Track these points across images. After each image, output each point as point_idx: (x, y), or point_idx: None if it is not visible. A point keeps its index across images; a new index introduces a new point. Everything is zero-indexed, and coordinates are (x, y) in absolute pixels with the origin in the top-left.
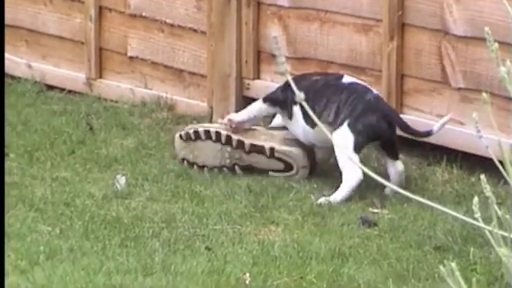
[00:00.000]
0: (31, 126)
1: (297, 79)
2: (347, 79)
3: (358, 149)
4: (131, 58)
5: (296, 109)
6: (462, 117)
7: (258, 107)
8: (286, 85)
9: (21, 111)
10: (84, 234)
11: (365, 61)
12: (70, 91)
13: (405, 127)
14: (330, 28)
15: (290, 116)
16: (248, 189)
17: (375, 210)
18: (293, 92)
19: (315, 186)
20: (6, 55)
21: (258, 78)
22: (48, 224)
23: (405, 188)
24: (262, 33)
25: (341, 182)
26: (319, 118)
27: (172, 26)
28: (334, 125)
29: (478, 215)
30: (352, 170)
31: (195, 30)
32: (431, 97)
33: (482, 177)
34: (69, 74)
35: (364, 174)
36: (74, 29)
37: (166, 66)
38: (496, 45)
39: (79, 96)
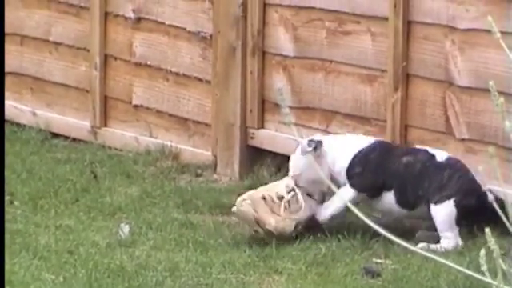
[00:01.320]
0: (35, 173)
1: (381, 158)
2: (440, 154)
3: (458, 223)
4: (136, 106)
5: (388, 194)
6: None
7: (347, 197)
8: (376, 168)
9: (25, 159)
10: (87, 282)
11: (369, 111)
12: (74, 139)
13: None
14: (334, 78)
15: (375, 197)
16: (252, 238)
17: (379, 261)
18: (386, 175)
19: (318, 235)
20: (11, 103)
21: (263, 127)
22: (52, 272)
23: (408, 239)
24: (267, 82)
25: (344, 229)
26: (423, 201)
27: (177, 74)
28: (434, 198)
29: (484, 268)
30: (453, 234)
31: (200, 79)
32: (435, 148)
33: (487, 230)
34: (74, 122)
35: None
36: (79, 77)
37: (170, 115)
38: (502, 99)
39: (84, 144)
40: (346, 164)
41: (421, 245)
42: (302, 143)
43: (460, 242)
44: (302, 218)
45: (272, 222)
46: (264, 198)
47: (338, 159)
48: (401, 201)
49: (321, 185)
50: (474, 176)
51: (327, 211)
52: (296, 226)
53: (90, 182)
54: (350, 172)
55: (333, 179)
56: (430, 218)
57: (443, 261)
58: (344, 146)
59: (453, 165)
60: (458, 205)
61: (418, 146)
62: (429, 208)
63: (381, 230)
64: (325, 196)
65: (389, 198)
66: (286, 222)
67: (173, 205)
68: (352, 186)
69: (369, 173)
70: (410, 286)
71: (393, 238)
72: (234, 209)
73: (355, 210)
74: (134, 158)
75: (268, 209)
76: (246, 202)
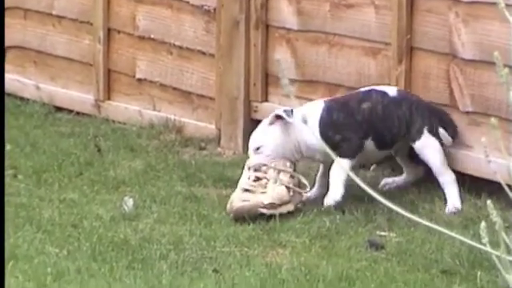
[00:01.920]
0: (39, 147)
1: (345, 115)
2: (389, 90)
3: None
4: (139, 80)
5: (368, 142)
6: (470, 140)
7: (347, 169)
8: (356, 128)
9: (29, 133)
10: (91, 255)
11: (373, 84)
12: (78, 113)
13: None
14: (338, 51)
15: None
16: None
17: (382, 233)
18: (359, 128)
19: (322, 209)
20: (15, 76)
21: (266, 100)
22: (55, 245)
23: (412, 212)
24: (271, 56)
25: (348, 202)
26: (398, 139)
27: (181, 48)
28: (412, 136)
29: (485, 240)
30: (449, 172)
31: (204, 53)
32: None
33: (489, 202)
34: (77, 95)
35: (372, 197)
36: (83, 50)
37: (174, 88)
38: (506, 70)
39: (87, 118)
40: (317, 137)
41: (384, 180)
42: (275, 112)
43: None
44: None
45: (266, 197)
46: (246, 190)
47: (304, 134)
48: (380, 145)
49: (290, 155)
50: (420, 98)
51: (335, 194)
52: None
53: (94, 155)
54: (331, 143)
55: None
56: (405, 151)
57: (447, 232)
58: (306, 119)
59: (405, 97)
60: (433, 133)
61: (362, 89)
62: (412, 148)
63: (385, 202)
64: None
65: (369, 147)
66: (277, 190)
67: (176, 178)
68: (344, 156)
69: (348, 134)
70: (413, 258)
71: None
72: (231, 216)
73: (361, 183)
74: (138, 132)
75: (252, 195)
76: (233, 200)
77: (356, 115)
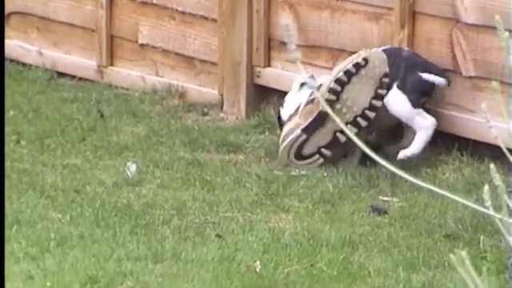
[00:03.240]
0: (42, 113)
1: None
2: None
3: (416, 106)
4: (142, 45)
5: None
6: (473, 105)
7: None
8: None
9: (31, 98)
10: (94, 221)
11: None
12: (80, 78)
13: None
14: (340, 16)
15: None
16: (258, 176)
17: (385, 198)
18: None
19: (325, 174)
20: (17, 42)
21: (269, 65)
22: (58, 211)
23: (415, 176)
24: (273, 20)
25: (354, 168)
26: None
27: (183, 13)
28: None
29: (488, 204)
30: (423, 119)
31: (206, 18)
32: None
33: (492, 166)
34: (80, 61)
35: (375, 162)
36: (85, 16)
37: (176, 54)
38: (507, 34)
39: (90, 83)
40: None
41: (400, 155)
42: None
43: (433, 121)
44: None
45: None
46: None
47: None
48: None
49: None
50: (408, 51)
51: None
52: None
53: (97, 121)
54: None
55: None
56: None
57: (451, 195)
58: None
59: (387, 51)
60: (403, 88)
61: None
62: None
63: (388, 166)
64: None
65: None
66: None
67: (179, 143)
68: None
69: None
70: (416, 223)
71: (400, 173)
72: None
73: (364, 147)
74: (141, 97)
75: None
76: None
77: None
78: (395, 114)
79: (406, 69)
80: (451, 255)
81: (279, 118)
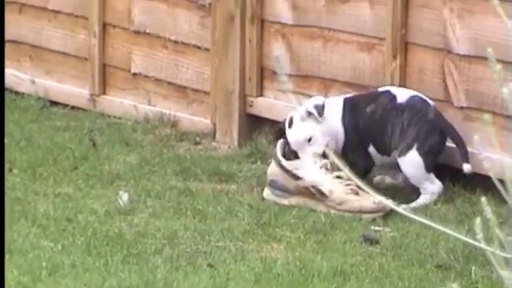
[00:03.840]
0: (34, 141)
1: (350, 112)
2: (402, 94)
3: (429, 170)
4: (135, 74)
5: (371, 149)
6: (465, 136)
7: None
8: (359, 140)
9: (24, 127)
10: (86, 249)
11: (368, 79)
12: (73, 107)
13: (460, 143)
14: (333, 46)
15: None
16: (250, 206)
17: (377, 228)
18: (363, 137)
19: None
20: (10, 71)
21: (261, 95)
22: (50, 240)
23: (407, 206)
24: (266, 50)
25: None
26: (393, 146)
27: (176, 42)
28: (398, 149)
29: (479, 236)
30: (431, 184)
31: (199, 47)
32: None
33: (483, 199)
34: (72, 90)
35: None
36: (78, 45)
37: (169, 83)
38: (499, 66)
39: (82, 112)
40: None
41: (377, 178)
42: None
43: (440, 187)
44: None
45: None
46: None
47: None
48: (380, 151)
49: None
50: (433, 110)
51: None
52: None
53: (89, 149)
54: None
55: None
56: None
57: (442, 228)
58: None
59: (412, 106)
60: (421, 152)
61: (382, 88)
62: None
63: (382, 198)
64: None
65: (373, 153)
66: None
67: (171, 173)
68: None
69: (358, 152)
70: (408, 253)
71: (391, 205)
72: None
73: (353, 177)
74: (133, 126)
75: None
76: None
77: (359, 118)
78: (406, 175)
79: (427, 132)
80: (443, 287)
81: (282, 132)
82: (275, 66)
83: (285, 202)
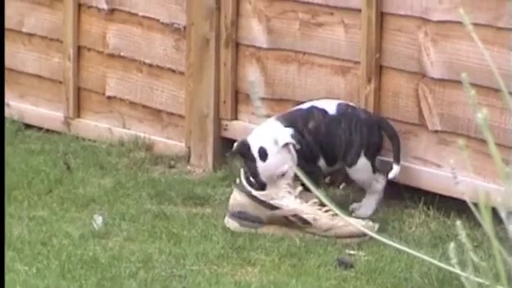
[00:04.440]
0: (9, 164)
1: (296, 132)
2: (328, 106)
3: (375, 170)
4: (109, 97)
5: (321, 162)
6: (439, 159)
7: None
8: (310, 152)
9: None
10: (61, 273)
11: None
12: (47, 130)
13: (394, 136)
14: (308, 69)
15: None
16: (225, 229)
17: (352, 252)
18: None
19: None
20: None
21: (236, 118)
22: (25, 263)
23: (382, 230)
24: (241, 73)
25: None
26: (340, 157)
27: (150, 65)
28: (349, 157)
29: (454, 261)
30: (377, 183)
31: (173, 71)
32: (408, 139)
33: (458, 223)
34: (47, 113)
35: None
36: (53, 68)
37: (144, 106)
38: (473, 92)
39: (57, 135)
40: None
41: (353, 205)
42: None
43: (384, 182)
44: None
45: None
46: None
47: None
48: (327, 161)
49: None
50: (361, 110)
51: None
52: None
53: (64, 173)
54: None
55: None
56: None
57: (416, 253)
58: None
59: (344, 114)
60: (368, 155)
61: (303, 106)
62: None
63: (355, 223)
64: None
65: (323, 166)
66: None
67: (146, 196)
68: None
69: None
70: (383, 277)
71: (366, 230)
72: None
73: (328, 203)
74: (108, 149)
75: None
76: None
77: (304, 135)
78: (356, 181)
79: (368, 133)
80: None
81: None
82: (250, 91)
83: (256, 231)
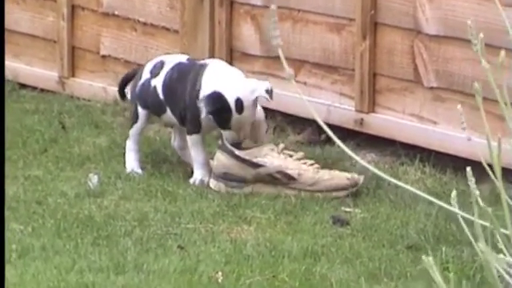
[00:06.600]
0: None
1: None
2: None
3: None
4: (104, 56)
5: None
6: (435, 116)
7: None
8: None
9: None
10: (56, 232)
11: (337, 60)
12: (42, 90)
13: None
14: (302, 27)
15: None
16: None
17: (348, 209)
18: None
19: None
20: None
21: None
22: (20, 222)
23: (377, 187)
24: (235, 32)
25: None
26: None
27: (145, 24)
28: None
29: (456, 208)
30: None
31: (168, 29)
32: (403, 96)
33: (468, 169)
34: (41, 72)
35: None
36: (47, 27)
37: (138, 65)
38: (478, 46)
39: (52, 95)
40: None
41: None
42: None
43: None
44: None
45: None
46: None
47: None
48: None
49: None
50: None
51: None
52: None
53: (59, 132)
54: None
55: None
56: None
57: (419, 192)
58: None
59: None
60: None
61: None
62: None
63: (371, 168)
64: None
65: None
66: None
67: (141, 155)
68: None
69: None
70: (378, 234)
71: (381, 173)
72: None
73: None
74: (103, 109)
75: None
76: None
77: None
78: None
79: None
80: (424, 257)
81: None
82: (242, 46)
83: (242, 191)
